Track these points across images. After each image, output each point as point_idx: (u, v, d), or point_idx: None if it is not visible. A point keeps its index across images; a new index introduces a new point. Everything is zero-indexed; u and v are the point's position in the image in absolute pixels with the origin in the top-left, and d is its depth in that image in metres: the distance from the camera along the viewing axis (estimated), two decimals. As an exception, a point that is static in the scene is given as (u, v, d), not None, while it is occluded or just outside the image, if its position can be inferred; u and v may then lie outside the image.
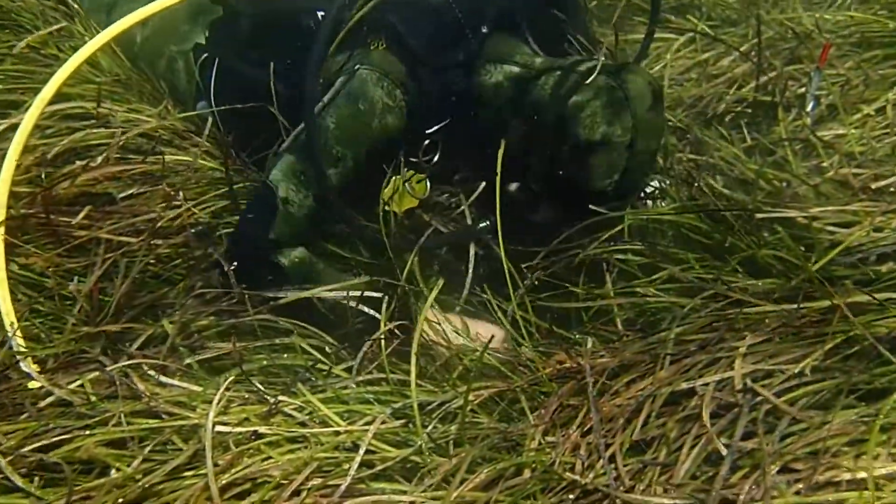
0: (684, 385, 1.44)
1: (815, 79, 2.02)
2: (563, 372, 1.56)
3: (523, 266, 1.76)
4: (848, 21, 2.45)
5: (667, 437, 1.37)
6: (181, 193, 1.84)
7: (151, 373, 1.50)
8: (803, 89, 2.17)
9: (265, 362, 1.57)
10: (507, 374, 1.59)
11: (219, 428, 1.37)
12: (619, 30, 2.34)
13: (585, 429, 1.40)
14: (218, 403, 1.38)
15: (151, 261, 1.77)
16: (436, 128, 1.80)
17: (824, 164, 1.94)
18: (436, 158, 1.83)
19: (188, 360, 1.56)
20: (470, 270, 1.74)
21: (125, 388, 1.46)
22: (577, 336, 1.70)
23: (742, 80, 2.29)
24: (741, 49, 2.32)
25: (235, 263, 1.69)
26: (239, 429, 1.37)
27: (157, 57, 2.20)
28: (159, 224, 1.78)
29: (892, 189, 1.78)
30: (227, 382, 1.44)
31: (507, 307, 1.72)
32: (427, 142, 1.81)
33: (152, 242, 1.75)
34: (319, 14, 1.79)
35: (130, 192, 1.83)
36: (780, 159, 1.97)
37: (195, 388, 1.47)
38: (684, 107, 2.21)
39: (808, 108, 2.05)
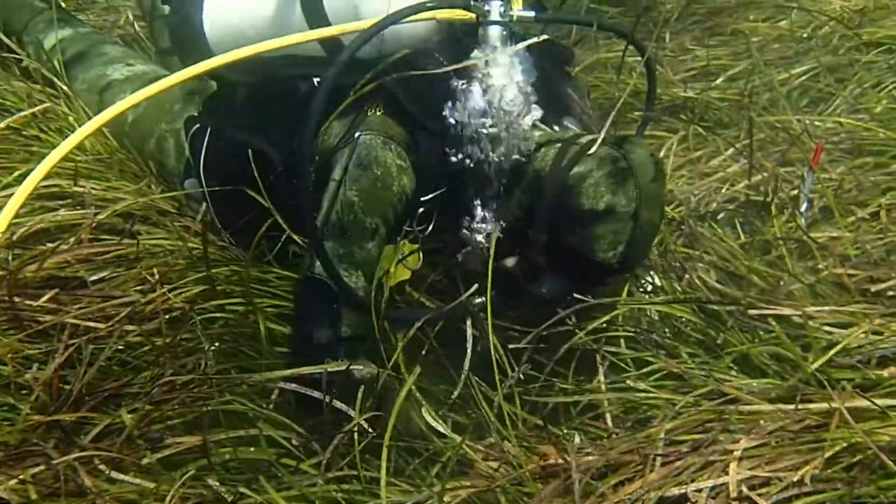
0: (675, 490, 1.35)
1: (809, 179, 2.02)
2: (547, 469, 1.46)
3: (510, 347, 1.69)
4: (838, 128, 2.49)
5: (657, 549, 1.27)
6: (157, 276, 1.77)
7: (102, 467, 1.39)
8: (795, 191, 2.17)
9: (227, 456, 1.47)
10: (488, 471, 1.49)
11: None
12: (616, 125, 2.37)
13: (569, 536, 1.30)
14: (170, 502, 1.27)
15: (120, 347, 1.67)
16: (431, 196, 1.77)
17: (819, 266, 1.91)
18: (430, 228, 1.79)
19: (145, 455, 1.44)
20: (468, 356, 1.66)
21: (73, 484, 1.35)
22: (565, 431, 1.61)
23: (734, 180, 2.30)
24: (734, 147, 2.34)
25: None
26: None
27: (147, 136, 2.17)
28: (130, 308, 1.70)
29: (889, 293, 1.74)
30: (182, 479, 1.33)
31: (493, 397, 1.63)
32: (421, 211, 1.77)
33: (123, 328, 1.66)
34: (316, 80, 1.77)
35: (103, 274, 1.77)
36: (774, 259, 1.94)
37: (148, 484, 1.36)
38: (677, 203, 2.20)
39: (802, 209, 2.04)
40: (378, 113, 1.75)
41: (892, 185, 2.17)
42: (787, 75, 2.78)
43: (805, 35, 2.98)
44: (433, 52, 1.75)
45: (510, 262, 1.75)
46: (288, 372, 1.58)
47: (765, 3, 3.22)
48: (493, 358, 1.63)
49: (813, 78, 2.79)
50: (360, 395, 1.54)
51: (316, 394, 1.53)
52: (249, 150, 1.79)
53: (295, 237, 1.78)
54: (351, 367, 1.57)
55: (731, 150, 2.29)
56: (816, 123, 2.51)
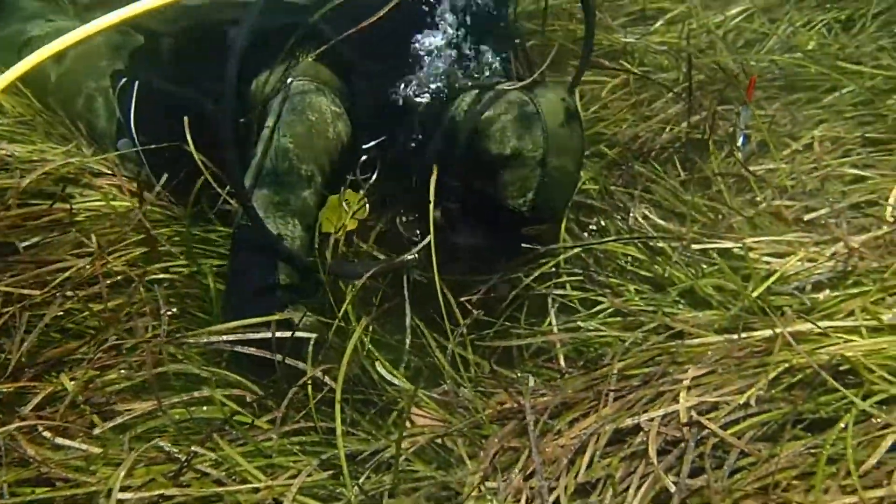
0: (629, 421, 1.38)
1: (744, 114, 2.05)
2: (504, 413, 1.48)
3: (461, 299, 1.69)
4: (772, 66, 2.53)
5: (612, 478, 1.30)
6: (94, 240, 1.69)
7: (47, 434, 1.34)
8: (733, 129, 2.21)
9: (177, 417, 1.43)
10: (446, 417, 1.50)
11: (120, 495, 1.22)
12: (557, 71, 2.36)
13: (528, 472, 1.32)
14: (121, 465, 1.23)
15: (60, 314, 1.60)
16: (373, 143, 1.73)
17: (758, 198, 1.96)
18: (374, 177, 1.76)
19: (93, 421, 1.39)
20: (408, 311, 1.65)
21: (15, 454, 1.29)
22: (519, 375, 1.63)
23: (675, 121, 2.32)
24: (673, 91, 2.36)
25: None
26: (143, 493, 1.22)
27: (74, 95, 2.06)
28: (67, 274, 1.62)
29: (822, 221, 1.79)
30: (131, 441, 1.29)
31: (445, 345, 1.63)
32: (364, 158, 1.73)
33: (59, 295, 1.59)
34: None
35: (35, 240, 1.68)
36: (715, 194, 1.98)
37: (95, 449, 1.32)
38: (620, 146, 2.21)
39: (739, 144, 2.08)
40: (310, 59, 1.69)
41: (824, 117, 2.22)
42: (722, 17, 2.81)
43: (740, -24, 3.00)
44: None
45: (437, 213, 1.71)
46: (233, 325, 1.52)
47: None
48: (443, 307, 1.62)
49: (747, 19, 2.82)
50: (310, 347, 1.51)
51: (263, 353, 1.50)
52: (182, 102, 1.71)
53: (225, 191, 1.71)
54: (291, 316, 1.53)
55: (671, 94, 2.30)
56: (752, 63, 2.55)
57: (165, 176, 1.79)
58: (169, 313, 1.67)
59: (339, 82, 1.70)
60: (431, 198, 1.60)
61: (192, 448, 1.29)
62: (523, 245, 1.71)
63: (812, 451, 1.30)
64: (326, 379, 1.47)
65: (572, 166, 1.66)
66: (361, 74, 1.70)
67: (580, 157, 1.72)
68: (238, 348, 1.50)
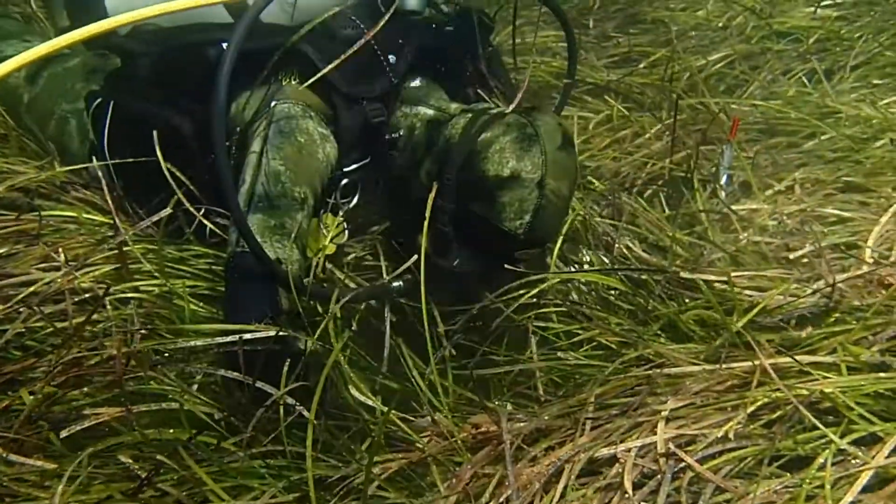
0: (605, 451, 1.35)
1: (727, 153, 2.07)
2: (479, 439, 1.44)
3: (445, 329, 1.66)
4: (753, 111, 2.58)
5: (588, 509, 1.26)
6: (61, 254, 1.65)
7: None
8: (715, 167, 2.23)
9: (139, 434, 1.37)
10: (419, 443, 1.46)
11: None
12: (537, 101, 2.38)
13: (501, 499, 1.28)
14: (73, 481, 1.18)
15: (21, 330, 1.54)
16: (355, 166, 1.72)
17: (740, 237, 1.96)
18: (354, 201, 1.74)
19: (49, 437, 1.33)
20: (387, 335, 1.62)
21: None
22: (497, 403, 1.59)
23: (658, 157, 2.34)
24: (655, 129, 2.39)
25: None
26: (99, 509, 1.17)
27: (47, 117, 2.02)
28: (32, 288, 1.57)
29: (804, 260, 1.80)
30: (88, 457, 1.24)
31: (423, 371, 1.59)
32: (344, 182, 1.71)
33: (22, 310, 1.53)
34: (224, 45, 1.63)
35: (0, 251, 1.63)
36: (697, 231, 1.98)
37: (50, 465, 1.26)
38: (603, 179, 2.22)
39: (722, 182, 2.10)
40: (293, 82, 1.68)
41: (805, 161, 2.25)
42: (704, 62, 2.87)
43: (721, 24, 3.08)
44: (350, 15, 1.70)
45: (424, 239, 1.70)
46: (218, 326, 1.50)
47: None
48: (427, 333, 1.60)
49: (728, 65, 2.89)
50: (285, 369, 1.47)
51: (239, 374, 1.45)
52: (159, 123, 1.68)
53: (207, 213, 1.68)
54: (294, 337, 1.49)
55: (655, 129, 2.33)
56: (733, 106, 2.60)
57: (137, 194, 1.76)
58: (142, 332, 1.62)
59: (324, 105, 1.69)
60: (427, 215, 1.57)
61: (158, 457, 1.23)
62: (511, 268, 1.69)
63: (788, 489, 1.28)
64: (296, 402, 1.43)
65: (567, 190, 1.65)
66: (344, 96, 1.69)
67: (575, 182, 1.72)
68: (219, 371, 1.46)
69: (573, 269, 1.89)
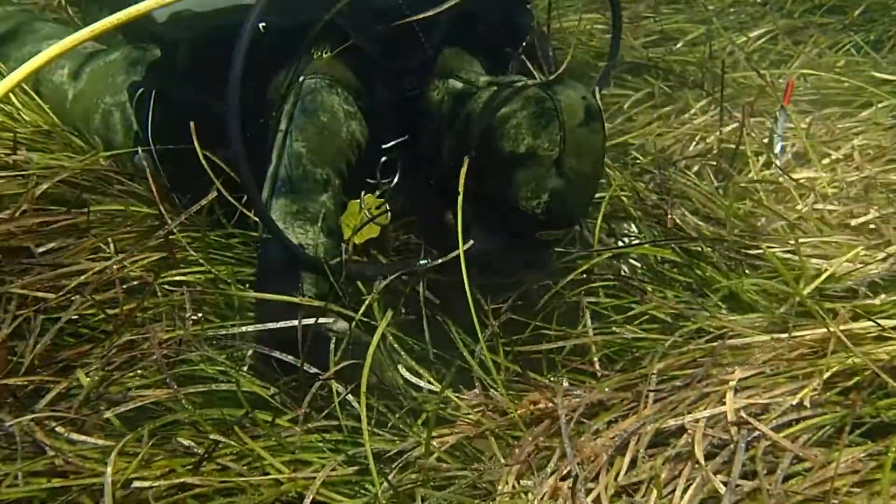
0: (672, 422, 1.30)
1: (781, 120, 2.00)
2: (537, 414, 1.40)
3: (491, 305, 1.62)
4: (802, 82, 2.49)
5: (657, 479, 1.21)
6: (111, 245, 1.65)
7: (60, 430, 1.28)
8: (766, 140, 2.15)
9: (196, 412, 1.35)
10: (476, 419, 1.42)
11: (137, 483, 1.15)
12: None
13: (565, 472, 1.23)
14: (135, 456, 1.17)
15: (74, 317, 1.55)
16: (393, 143, 1.67)
17: (798, 206, 1.89)
18: (395, 180, 1.70)
19: (107, 415, 1.33)
20: (422, 309, 1.58)
21: (29, 447, 1.24)
22: (552, 379, 1.54)
23: (703, 132, 2.27)
24: (700, 104, 2.33)
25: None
26: (161, 482, 1.15)
27: (92, 112, 2.01)
28: (83, 278, 1.57)
29: (871, 226, 1.72)
30: (147, 434, 1.23)
31: (474, 348, 1.55)
32: (384, 160, 1.67)
33: (75, 298, 1.54)
34: (261, 26, 1.57)
35: (51, 245, 1.64)
36: (753, 201, 1.91)
37: (110, 442, 1.25)
38: (650, 154, 2.16)
39: (776, 150, 2.02)
40: (325, 56, 1.64)
41: (863, 129, 2.16)
42: (745, 38, 2.78)
43: (759, 0, 3.00)
44: None
45: (450, 216, 1.64)
46: (259, 327, 1.48)
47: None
48: (473, 309, 1.55)
49: (771, 41, 2.79)
50: (331, 349, 1.44)
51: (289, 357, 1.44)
52: (201, 108, 1.65)
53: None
54: (323, 323, 1.47)
55: (700, 104, 2.26)
56: (780, 80, 2.51)
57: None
58: (193, 318, 1.62)
59: (356, 79, 1.65)
60: (461, 189, 1.50)
61: (213, 437, 1.22)
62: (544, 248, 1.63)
63: (874, 456, 1.21)
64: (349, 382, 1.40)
65: (591, 169, 1.57)
66: (381, 71, 1.65)
67: (601, 161, 1.63)
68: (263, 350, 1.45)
69: (623, 245, 1.83)
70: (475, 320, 1.53)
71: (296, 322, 1.43)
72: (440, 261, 1.59)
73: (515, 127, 1.52)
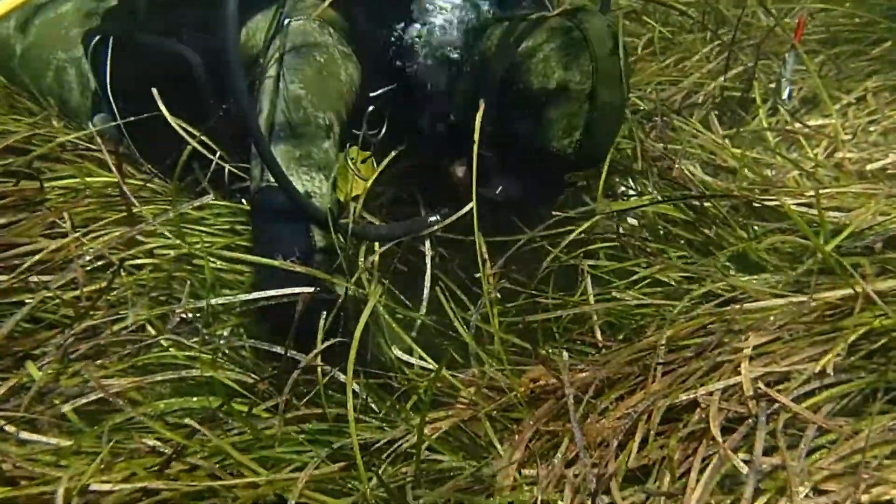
0: (683, 396, 1.19)
1: (791, 60, 1.85)
2: (538, 393, 1.29)
3: (490, 272, 1.49)
4: (810, 20, 2.34)
5: (670, 461, 1.10)
6: (68, 220, 1.51)
7: (10, 429, 1.16)
8: (773, 84, 2.01)
9: (163, 405, 1.24)
10: (473, 399, 1.31)
11: (95, 486, 1.04)
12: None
13: (571, 457, 1.13)
14: (95, 456, 1.06)
15: (28, 300, 1.42)
16: (382, 91, 1.53)
17: (810, 155, 1.76)
18: (382, 132, 1.56)
19: (65, 408, 1.21)
20: (427, 279, 1.46)
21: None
22: (550, 351, 1.43)
23: (708, 79, 2.13)
24: (706, 48, 2.18)
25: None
26: (122, 485, 1.04)
27: (43, 68, 1.83)
28: (38, 257, 1.44)
29: (890, 171, 1.59)
30: (108, 432, 1.11)
31: (468, 318, 1.44)
32: (370, 109, 1.53)
33: (31, 280, 1.41)
34: None
35: (1, 221, 1.50)
36: (763, 150, 1.78)
37: (65, 442, 1.14)
38: (653, 101, 2.01)
39: (784, 96, 1.88)
40: None
41: (877, 68, 2.02)
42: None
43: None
44: None
45: (460, 171, 1.54)
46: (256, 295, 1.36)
47: None
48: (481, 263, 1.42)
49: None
50: (321, 319, 1.32)
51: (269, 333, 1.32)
52: (164, 56, 1.52)
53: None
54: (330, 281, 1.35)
55: (706, 48, 2.10)
56: (786, 21, 2.35)
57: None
58: (161, 299, 1.49)
59: (344, 22, 1.50)
60: (476, 138, 1.37)
61: (178, 441, 1.10)
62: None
63: (906, 425, 1.11)
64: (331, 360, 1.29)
65: (620, 101, 1.46)
66: (367, 13, 1.51)
67: (627, 92, 1.51)
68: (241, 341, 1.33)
69: (626, 199, 1.70)
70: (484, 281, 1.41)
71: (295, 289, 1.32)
72: (455, 216, 1.46)
73: (543, 61, 1.39)
